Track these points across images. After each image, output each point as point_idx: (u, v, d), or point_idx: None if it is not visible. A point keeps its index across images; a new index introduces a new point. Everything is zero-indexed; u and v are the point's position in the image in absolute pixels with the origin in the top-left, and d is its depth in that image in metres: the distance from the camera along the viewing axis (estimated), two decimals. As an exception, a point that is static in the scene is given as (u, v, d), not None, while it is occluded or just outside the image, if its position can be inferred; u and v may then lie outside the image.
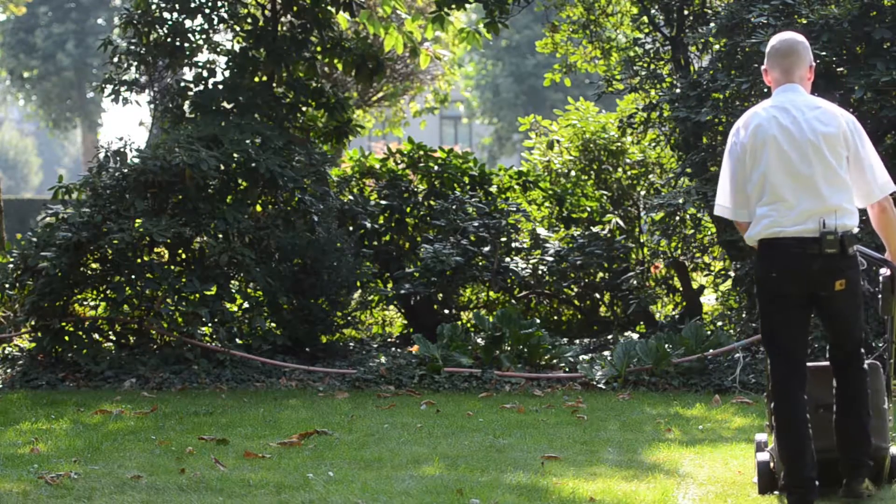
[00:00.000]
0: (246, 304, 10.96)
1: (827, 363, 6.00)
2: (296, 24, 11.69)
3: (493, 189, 12.74)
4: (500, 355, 10.34)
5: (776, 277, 5.78)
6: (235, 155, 10.56)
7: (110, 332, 10.52)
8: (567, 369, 10.24)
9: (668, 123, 11.37)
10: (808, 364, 5.91)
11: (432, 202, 12.32)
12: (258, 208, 11.09)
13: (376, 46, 12.27)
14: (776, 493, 5.89)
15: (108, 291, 10.40)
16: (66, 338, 10.18)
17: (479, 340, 10.65)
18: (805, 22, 10.18)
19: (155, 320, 10.32)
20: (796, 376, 5.76)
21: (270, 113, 11.52)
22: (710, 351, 10.12)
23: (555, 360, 10.35)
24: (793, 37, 5.97)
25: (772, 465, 5.96)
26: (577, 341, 11.51)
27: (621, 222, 12.45)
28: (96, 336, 10.38)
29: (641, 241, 12.51)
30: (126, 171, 10.44)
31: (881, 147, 10.52)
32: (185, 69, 11.78)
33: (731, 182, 5.89)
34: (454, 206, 12.04)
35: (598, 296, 12.22)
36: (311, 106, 11.87)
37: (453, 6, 11.72)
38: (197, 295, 10.17)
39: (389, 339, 12.08)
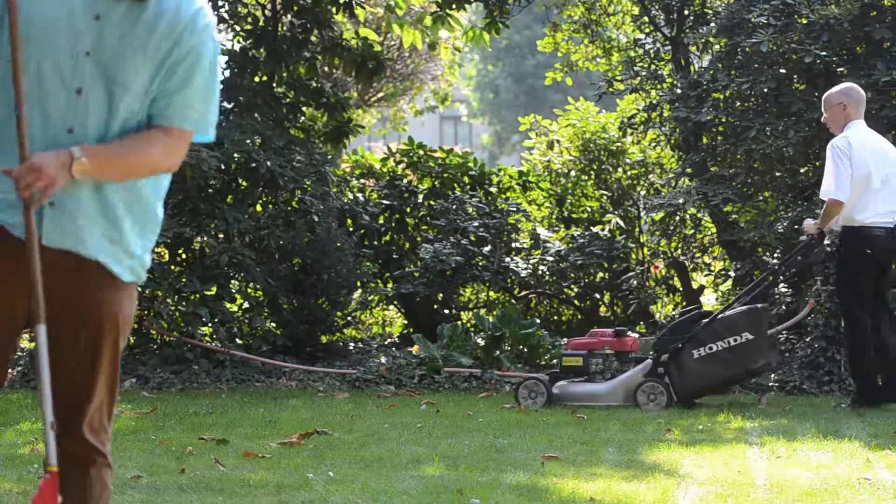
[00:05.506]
0: (246, 304, 10.95)
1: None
2: (296, 24, 11.68)
3: (493, 189, 12.74)
4: (500, 355, 10.34)
5: (869, 253, 8.41)
6: (236, 155, 10.56)
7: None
8: (567, 369, 10.23)
9: (669, 123, 11.37)
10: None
11: (432, 202, 12.32)
12: (258, 208, 11.08)
13: (382, 41, 12.27)
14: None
15: (108, 291, 10.39)
16: (66, 338, 10.16)
17: (479, 340, 10.65)
18: (805, 22, 10.18)
19: (155, 320, 10.32)
20: (870, 319, 8.50)
21: (270, 113, 11.52)
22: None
23: (555, 360, 10.35)
24: (861, 89, 8.68)
25: None
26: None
27: (621, 222, 12.45)
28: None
29: (641, 241, 12.50)
30: (126, 170, 10.43)
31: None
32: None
33: (839, 178, 8.28)
34: (454, 206, 12.04)
35: (598, 296, 12.22)
36: (311, 106, 11.87)
37: (454, 6, 11.72)
38: (197, 295, 10.17)
39: (389, 339, 12.08)
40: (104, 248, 3.38)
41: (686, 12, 11.57)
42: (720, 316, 8.89)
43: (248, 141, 10.69)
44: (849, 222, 8.44)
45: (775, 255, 10.85)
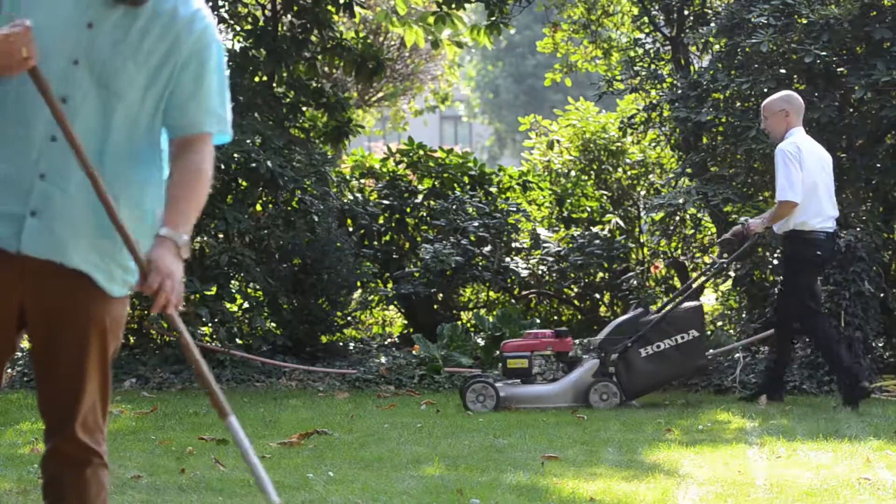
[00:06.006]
0: (246, 304, 10.95)
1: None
2: (296, 24, 11.68)
3: (493, 189, 12.74)
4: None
5: (820, 255, 8.77)
6: (236, 155, 10.56)
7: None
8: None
9: (669, 123, 11.37)
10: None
11: (432, 202, 12.31)
12: (258, 208, 11.09)
13: (376, 46, 12.28)
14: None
15: (108, 291, 10.39)
16: (66, 338, 10.16)
17: (479, 340, 10.64)
18: (805, 22, 10.18)
19: (155, 320, 10.32)
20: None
21: (270, 113, 11.52)
22: (711, 351, 10.12)
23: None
24: (799, 97, 9.04)
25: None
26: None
27: (621, 222, 12.44)
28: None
29: (641, 241, 12.49)
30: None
31: (881, 147, 10.53)
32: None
33: (792, 180, 8.62)
34: (454, 206, 12.04)
35: (598, 296, 12.22)
36: (311, 106, 11.87)
37: (453, 5, 11.72)
38: (197, 295, 10.17)
39: (389, 339, 12.08)
40: (90, 260, 3.35)
41: (686, 12, 11.57)
42: (667, 314, 9.02)
43: (248, 141, 10.70)
44: (801, 226, 8.75)
45: (776, 254, 10.85)
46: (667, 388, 9.83)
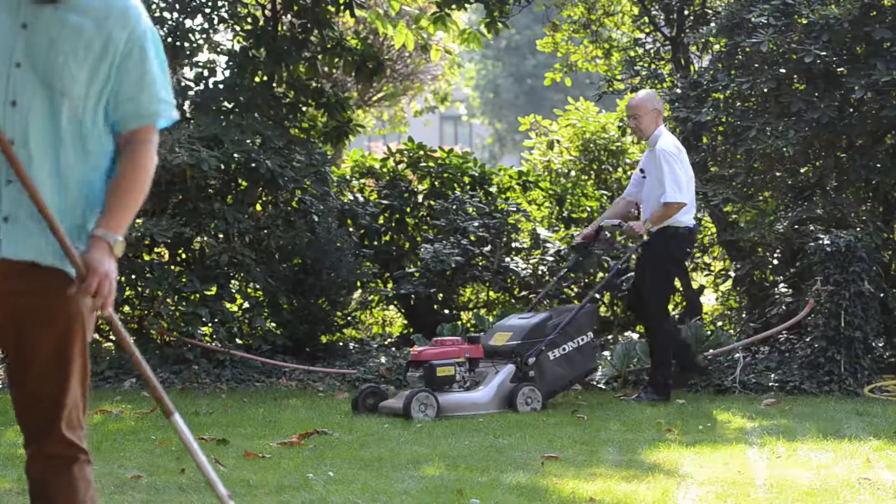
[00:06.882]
0: (246, 304, 10.95)
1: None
2: (296, 24, 11.68)
3: (493, 189, 12.73)
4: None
5: (688, 251, 9.40)
6: (236, 155, 10.56)
7: (110, 332, 10.52)
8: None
9: (669, 123, 11.37)
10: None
11: (432, 202, 12.31)
12: (258, 208, 11.08)
13: (376, 46, 12.28)
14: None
15: (108, 291, 10.38)
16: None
17: (479, 340, 10.63)
18: (805, 22, 10.18)
19: (155, 320, 10.32)
20: None
21: (271, 113, 11.52)
22: (710, 351, 10.12)
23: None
24: None
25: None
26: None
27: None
28: (96, 336, 10.38)
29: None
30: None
31: (881, 147, 10.53)
32: (186, 69, 11.77)
33: (679, 181, 8.94)
34: (454, 206, 12.03)
35: (598, 296, 12.21)
36: (311, 106, 11.87)
37: (453, 6, 11.72)
38: (197, 295, 10.17)
39: (389, 339, 12.08)
40: (59, 253, 3.36)
41: (686, 12, 11.57)
42: (573, 317, 9.14)
43: (248, 141, 10.69)
44: (672, 222, 9.03)
45: (776, 254, 10.85)
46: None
